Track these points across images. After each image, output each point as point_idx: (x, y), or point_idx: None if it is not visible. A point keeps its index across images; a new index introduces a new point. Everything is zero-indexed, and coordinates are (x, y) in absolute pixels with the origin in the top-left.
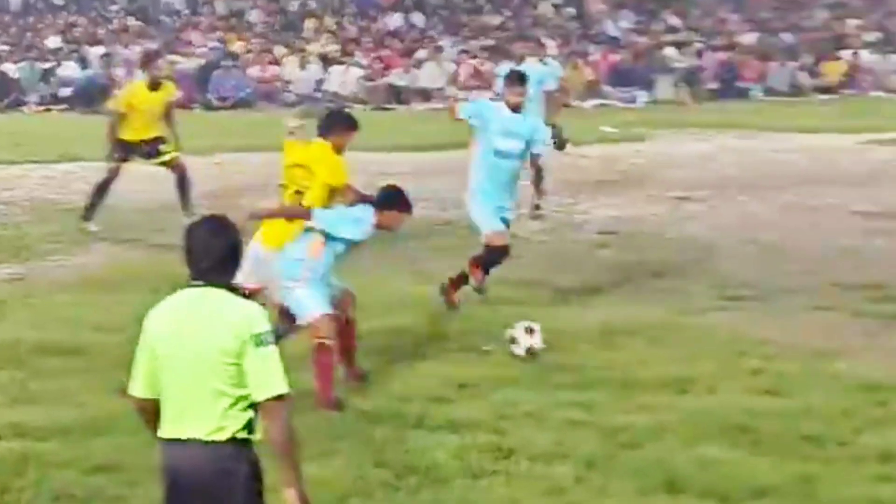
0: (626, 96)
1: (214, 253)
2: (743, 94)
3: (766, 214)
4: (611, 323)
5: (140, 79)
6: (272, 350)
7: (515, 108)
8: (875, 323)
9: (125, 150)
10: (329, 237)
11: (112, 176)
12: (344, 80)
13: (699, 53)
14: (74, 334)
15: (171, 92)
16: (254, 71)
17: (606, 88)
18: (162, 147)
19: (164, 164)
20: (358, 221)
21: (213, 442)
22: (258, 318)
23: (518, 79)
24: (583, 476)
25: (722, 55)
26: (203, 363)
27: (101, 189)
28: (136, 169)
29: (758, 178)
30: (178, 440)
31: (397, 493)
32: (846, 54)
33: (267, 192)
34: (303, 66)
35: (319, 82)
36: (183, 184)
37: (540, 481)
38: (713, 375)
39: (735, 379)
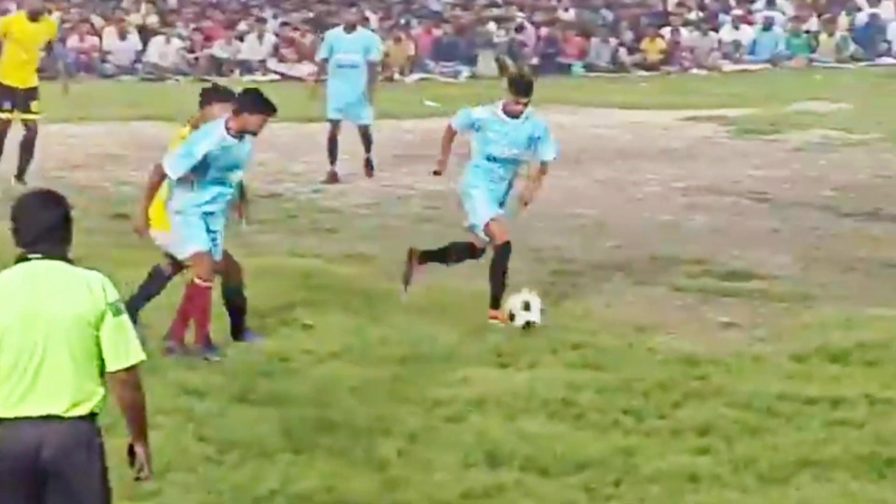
0: (449, 71)
1: (44, 224)
2: (564, 70)
3: (587, 190)
4: (433, 296)
5: None
6: (126, 318)
7: (515, 116)
8: (693, 297)
9: (7, 98)
10: (194, 169)
11: (3, 128)
12: (164, 51)
13: (520, 28)
14: None
15: (52, 27)
16: (72, 41)
17: (429, 63)
18: (33, 104)
19: (25, 121)
20: (207, 133)
21: (73, 417)
22: (110, 286)
23: (524, 88)
24: (405, 450)
25: (543, 31)
26: (58, 336)
27: None
28: None
29: (578, 154)
30: (30, 418)
31: (219, 468)
32: (666, 32)
33: (89, 164)
34: (122, 37)
35: (139, 53)
36: (29, 148)
37: (363, 455)
38: (534, 349)
39: (556, 353)
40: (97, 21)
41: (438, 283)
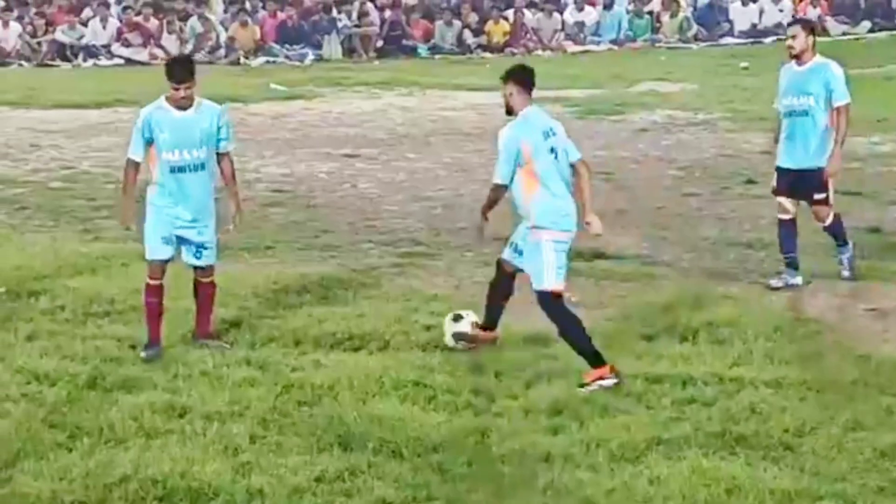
0: (295, 54)
1: None
2: (409, 52)
3: (435, 171)
4: (283, 281)
5: None
6: None
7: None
8: None
9: None
10: None
11: None
12: (3, 35)
13: (364, 13)
14: None
15: None
16: None
17: (274, 46)
18: None
19: None
20: None
21: None
22: None
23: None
24: (258, 434)
25: (387, 13)
26: None
27: None
28: None
29: (426, 136)
30: None
31: (70, 454)
32: (510, 13)
33: None
34: None
35: None
36: None
37: (215, 440)
38: (385, 332)
39: (407, 335)
40: None
41: (285, 269)
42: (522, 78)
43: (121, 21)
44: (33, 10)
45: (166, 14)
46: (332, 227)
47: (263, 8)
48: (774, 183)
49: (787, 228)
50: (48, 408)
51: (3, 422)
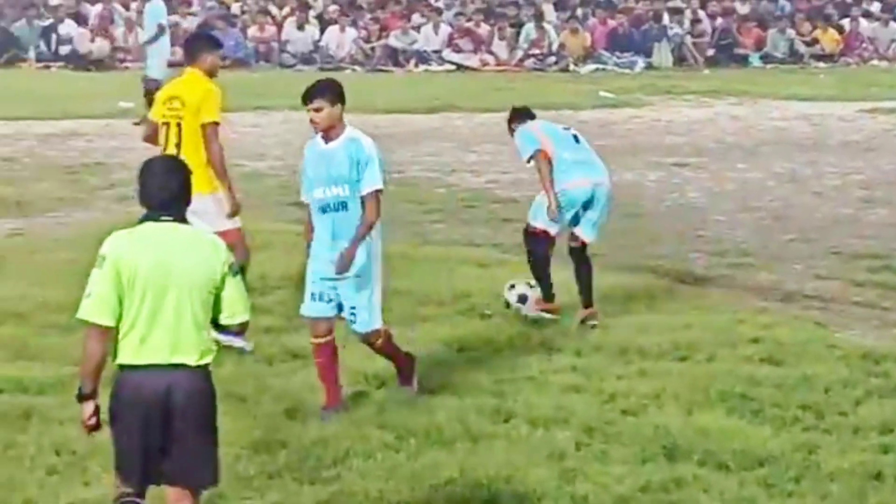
0: (624, 62)
1: (172, 190)
2: (741, 61)
3: (765, 182)
4: (609, 289)
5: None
6: (240, 278)
7: None
8: (874, 292)
9: None
10: None
11: None
12: (340, 41)
13: (697, 20)
14: (75, 291)
15: None
16: (252, 31)
17: (604, 54)
18: None
19: None
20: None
21: (197, 367)
22: (227, 248)
23: None
24: (583, 441)
25: (719, 21)
26: (192, 292)
27: None
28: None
29: (756, 146)
30: (161, 366)
31: (398, 455)
32: (845, 22)
33: (268, 153)
34: (301, 27)
35: (317, 43)
36: None
37: (540, 446)
38: (712, 343)
39: (734, 347)
40: (275, 11)
41: (611, 278)
42: None
43: (452, 27)
44: (367, 15)
45: (497, 20)
46: (659, 235)
47: (593, 15)
48: None
49: None
50: (376, 408)
51: (333, 421)
